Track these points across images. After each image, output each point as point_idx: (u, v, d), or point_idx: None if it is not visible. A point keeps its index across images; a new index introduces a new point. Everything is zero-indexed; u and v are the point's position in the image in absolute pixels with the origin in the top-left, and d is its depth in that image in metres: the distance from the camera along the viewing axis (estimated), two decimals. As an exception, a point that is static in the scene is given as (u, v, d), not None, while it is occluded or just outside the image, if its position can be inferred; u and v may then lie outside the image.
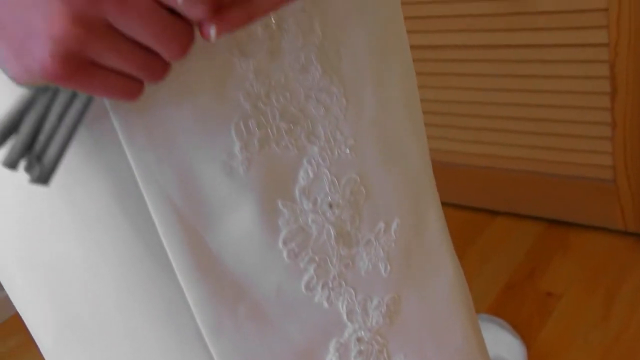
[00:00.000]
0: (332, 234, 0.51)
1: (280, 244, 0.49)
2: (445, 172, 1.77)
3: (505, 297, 1.54)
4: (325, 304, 0.52)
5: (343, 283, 0.53)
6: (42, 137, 0.36)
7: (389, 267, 0.56)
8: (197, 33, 0.34)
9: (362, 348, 0.55)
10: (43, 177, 0.36)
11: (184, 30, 0.33)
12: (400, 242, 0.56)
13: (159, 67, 0.34)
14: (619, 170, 1.52)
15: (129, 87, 0.34)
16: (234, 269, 0.48)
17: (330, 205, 0.51)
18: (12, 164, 0.36)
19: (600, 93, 1.47)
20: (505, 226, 1.78)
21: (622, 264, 1.53)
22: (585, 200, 1.62)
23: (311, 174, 0.50)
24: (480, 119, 1.70)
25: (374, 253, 0.55)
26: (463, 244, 1.72)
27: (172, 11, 0.32)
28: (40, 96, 0.35)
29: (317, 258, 0.51)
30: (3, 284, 0.50)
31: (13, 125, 0.35)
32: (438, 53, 1.65)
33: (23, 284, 0.49)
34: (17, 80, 0.34)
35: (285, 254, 0.49)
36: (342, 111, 0.50)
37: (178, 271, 0.46)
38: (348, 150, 0.51)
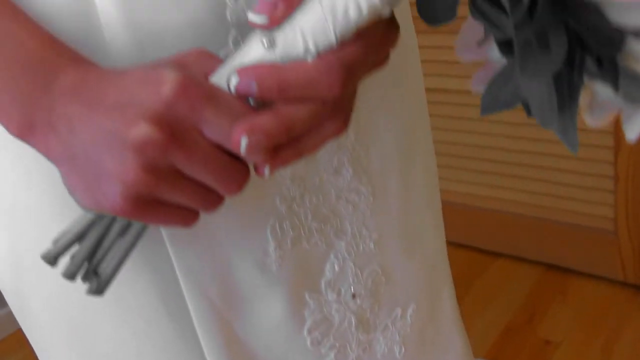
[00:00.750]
0: (353, 322, 0.54)
1: (305, 333, 0.52)
2: (449, 211, 1.80)
3: (504, 342, 1.56)
4: None
5: None
6: (101, 252, 0.39)
7: (403, 350, 0.59)
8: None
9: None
10: (99, 289, 0.39)
11: (241, 170, 0.36)
12: (415, 326, 0.59)
13: (216, 200, 0.37)
14: (621, 222, 1.56)
15: (186, 217, 0.37)
16: (260, 355, 0.51)
17: (353, 296, 0.54)
18: (71, 275, 0.39)
19: (604, 147, 1.50)
20: (505, 268, 1.80)
21: (621, 315, 1.56)
22: (585, 248, 1.65)
23: (337, 268, 0.53)
24: (486, 163, 1.73)
25: (390, 337, 0.57)
26: (465, 283, 1.75)
27: (231, 153, 0.35)
28: (103, 218, 0.38)
29: (337, 344, 0.54)
30: (23, 324, 0.53)
31: (76, 240, 0.38)
32: (448, 96, 1.69)
33: (50, 334, 0.51)
34: (84, 207, 0.37)
35: (309, 342, 0.52)
36: (369, 208, 0.53)
37: (208, 355, 0.49)
38: (372, 245, 0.54)
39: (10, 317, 0.56)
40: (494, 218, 1.80)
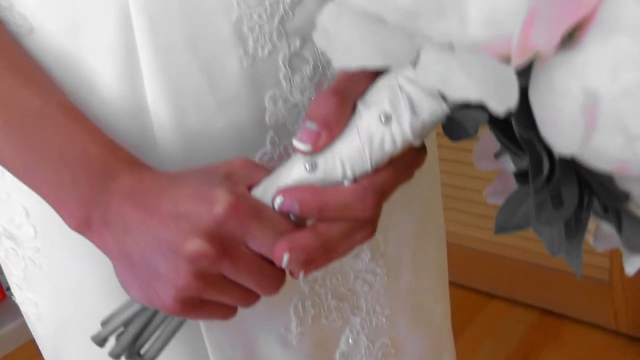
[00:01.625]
0: None
1: None
2: (447, 251, 1.83)
3: (497, 385, 1.59)
4: None
5: None
6: (145, 335, 0.43)
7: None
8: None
9: None
10: (142, 369, 0.43)
11: (278, 276, 0.40)
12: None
13: (254, 298, 0.41)
14: (615, 272, 1.60)
15: (226, 313, 0.41)
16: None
17: (365, 366, 0.58)
18: (117, 355, 0.43)
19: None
20: (501, 310, 1.84)
21: (612, 364, 1.60)
22: (580, 295, 1.69)
23: (351, 341, 0.57)
24: (487, 207, 1.77)
25: None
26: (461, 323, 1.78)
27: (270, 260, 0.39)
28: (150, 308, 0.42)
29: None
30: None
31: (124, 325, 0.42)
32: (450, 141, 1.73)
33: None
34: (136, 301, 0.41)
35: None
36: (383, 287, 0.57)
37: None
38: (384, 320, 0.58)
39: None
40: (491, 260, 1.84)
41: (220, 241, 0.37)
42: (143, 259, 0.39)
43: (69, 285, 0.51)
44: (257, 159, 0.48)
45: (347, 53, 0.31)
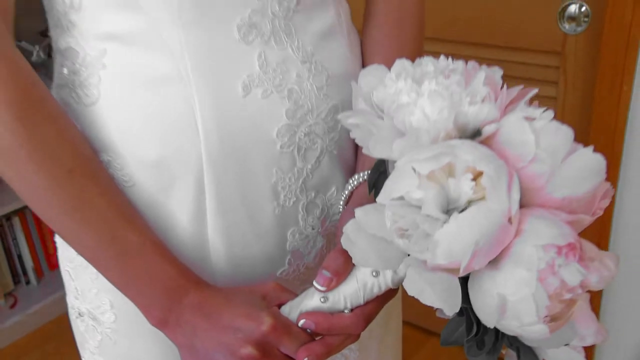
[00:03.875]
0: None
1: None
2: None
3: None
4: None
5: None
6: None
7: None
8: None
9: None
10: None
11: None
12: None
13: None
14: None
15: None
16: None
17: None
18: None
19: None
20: (439, 347, 2.06)
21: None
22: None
23: None
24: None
25: None
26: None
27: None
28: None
29: None
30: None
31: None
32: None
33: None
34: None
35: None
36: (355, 359, 0.77)
37: None
38: None
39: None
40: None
41: (263, 348, 0.56)
42: (206, 354, 0.57)
43: None
44: (277, 274, 0.67)
45: (361, 255, 0.51)
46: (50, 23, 0.63)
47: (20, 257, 2.28)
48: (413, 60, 0.55)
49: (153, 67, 0.59)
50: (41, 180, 0.55)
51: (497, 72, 0.54)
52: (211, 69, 0.59)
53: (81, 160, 0.58)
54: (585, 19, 1.46)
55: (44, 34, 2.34)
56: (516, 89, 0.53)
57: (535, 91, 0.52)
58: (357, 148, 0.69)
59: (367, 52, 0.72)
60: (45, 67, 2.27)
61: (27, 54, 2.30)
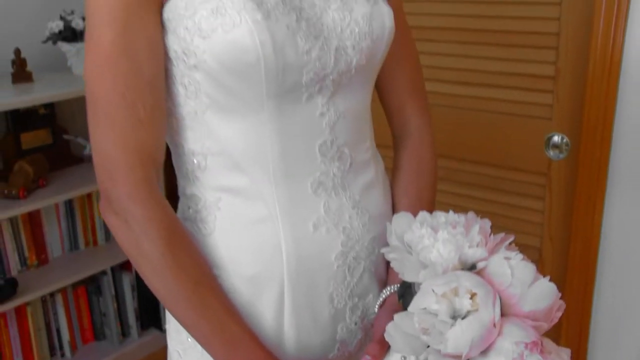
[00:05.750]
0: None
1: None
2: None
3: None
4: None
5: None
6: None
7: None
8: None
9: None
10: None
11: None
12: None
13: None
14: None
15: None
16: None
17: None
18: None
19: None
20: None
21: None
22: None
23: None
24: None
25: None
26: None
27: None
28: None
29: None
30: None
31: None
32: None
33: None
34: None
35: None
36: None
37: None
38: None
39: None
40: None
41: None
42: None
43: None
44: (329, 357, 0.93)
45: (397, 344, 0.77)
46: (179, 174, 0.91)
47: (58, 331, 2.51)
48: (430, 203, 0.82)
49: (253, 211, 0.86)
50: (176, 287, 0.81)
51: (487, 223, 0.81)
52: (292, 213, 0.86)
53: (203, 274, 0.84)
54: (567, 147, 1.76)
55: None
56: (499, 236, 0.81)
57: (512, 238, 0.80)
58: (388, 267, 0.96)
59: (395, 194, 1.01)
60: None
61: (80, 149, 2.60)
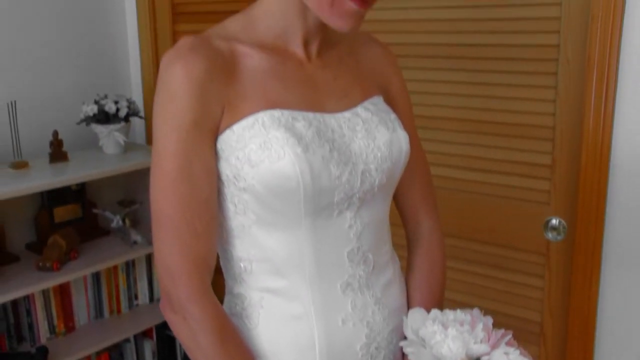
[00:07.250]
0: None
1: None
2: None
3: None
4: None
5: None
6: None
7: None
8: None
9: None
10: None
11: None
12: None
13: None
14: None
15: None
16: None
17: None
18: None
19: None
20: None
21: None
22: None
23: None
24: None
25: None
26: None
27: None
28: None
29: None
30: None
31: None
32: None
33: None
34: None
35: None
36: None
37: None
38: None
39: None
40: None
41: None
42: None
43: None
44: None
45: None
46: (227, 276, 1.07)
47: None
48: (441, 296, 0.98)
49: (291, 309, 1.02)
50: None
51: (489, 320, 0.97)
52: (324, 311, 1.02)
53: None
54: (564, 229, 1.91)
55: (122, 203, 2.81)
56: (500, 332, 0.96)
57: (510, 335, 0.95)
58: (402, 355, 1.10)
59: (410, 289, 1.16)
60: (122, 232, 2.72)
61: (108, 222, 2.76)
